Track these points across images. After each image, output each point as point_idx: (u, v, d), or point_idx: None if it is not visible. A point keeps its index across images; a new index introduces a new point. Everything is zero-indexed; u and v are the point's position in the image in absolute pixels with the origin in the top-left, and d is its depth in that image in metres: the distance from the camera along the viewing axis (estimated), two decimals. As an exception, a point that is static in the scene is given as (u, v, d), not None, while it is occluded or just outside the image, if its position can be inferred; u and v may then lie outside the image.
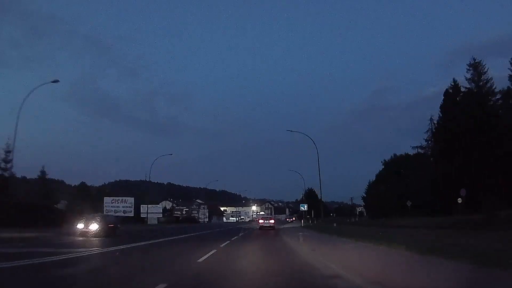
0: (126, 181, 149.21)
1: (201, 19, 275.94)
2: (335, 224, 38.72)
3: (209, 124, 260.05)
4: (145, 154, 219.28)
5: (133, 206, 54.18)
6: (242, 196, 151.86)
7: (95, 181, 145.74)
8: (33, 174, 49.94)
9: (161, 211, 62.17)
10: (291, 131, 42.38)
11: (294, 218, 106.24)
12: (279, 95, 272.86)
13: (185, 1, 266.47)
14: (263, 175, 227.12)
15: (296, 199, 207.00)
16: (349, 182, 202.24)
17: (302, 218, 67.90)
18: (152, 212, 60.85)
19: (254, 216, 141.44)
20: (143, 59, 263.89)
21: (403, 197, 56.15)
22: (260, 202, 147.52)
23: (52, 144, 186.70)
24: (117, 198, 56.09)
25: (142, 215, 60.16)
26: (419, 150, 59.87)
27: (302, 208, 44.80)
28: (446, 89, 50.58)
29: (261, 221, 42.17)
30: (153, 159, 52.89)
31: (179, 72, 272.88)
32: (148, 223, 57.52)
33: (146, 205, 58.69)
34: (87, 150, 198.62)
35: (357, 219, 77.36)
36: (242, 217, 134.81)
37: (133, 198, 56.28)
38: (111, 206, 54.21)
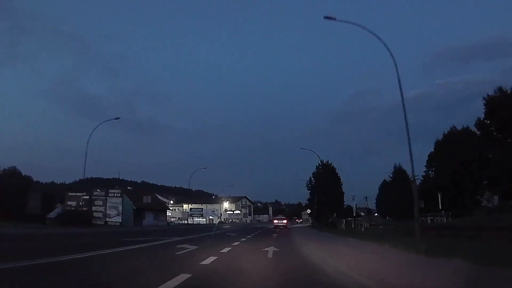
0: (99, 178, 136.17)
1: (183, 20, 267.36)
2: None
3: (189, 124, 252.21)
4: (122, 153, 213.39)
5: None
6: (219, 196, 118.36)
7: (68, 178, 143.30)
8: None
9: None
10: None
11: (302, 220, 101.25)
12: (258, 96, 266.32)
13: (166, 2, 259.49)
14: (242, 176, 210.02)
15: (276, 200, 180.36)
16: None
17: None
18: None
19: (226, 217, 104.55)
20: (124, 58, 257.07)
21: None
22: (235, 199, 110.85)
23: (30, 142, 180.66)
24: None
25: None
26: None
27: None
28: None
29: (275, 221, 50.08)
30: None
31: (160, 72, 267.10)
32: None
33: None
34: (62, 148, 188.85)
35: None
36: (211, 217, 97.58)
37: None
38: None
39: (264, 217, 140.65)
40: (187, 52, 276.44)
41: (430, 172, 50.84)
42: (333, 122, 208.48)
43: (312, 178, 59.27)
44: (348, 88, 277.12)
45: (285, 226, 43.76)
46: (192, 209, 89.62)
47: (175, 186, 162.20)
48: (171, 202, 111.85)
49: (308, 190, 61.62)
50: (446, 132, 49.43)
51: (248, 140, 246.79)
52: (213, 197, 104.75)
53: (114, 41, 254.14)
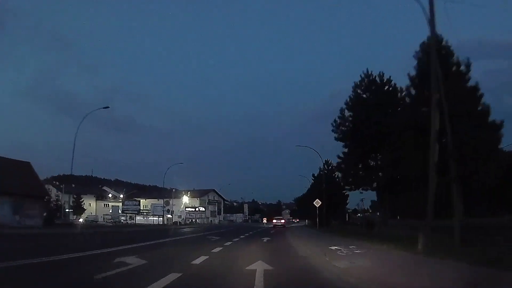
0: (70, 175, 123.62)
1: (163, 20, 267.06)
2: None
3: (166, 124, 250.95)
4: (98, 151, 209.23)
5: None
6: (181, 189, 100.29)
7: (40, 175, 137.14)
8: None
9: None
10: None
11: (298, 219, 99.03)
12: (235, 97, 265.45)
13: (146, 2, 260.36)
14: (219, 176, 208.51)
15: (253, 199, 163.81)
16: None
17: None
18: None
19: (186, 215, 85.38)
20: (104, 56, 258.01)
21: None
22: (200, 193, 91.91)
23: (6, 139, 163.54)
24: None
25: None
26: None
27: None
28: None
29: (274, 221, 55.25)
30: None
31: (138, 71, 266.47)
32: None
33: None
34: (39, 145, 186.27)
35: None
36: (169, 216, 77.89)
37: None
38: None
39: (238, 217, 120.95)
40: (166, 52, 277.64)
41: None
42: (311, 121, 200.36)
43: (346, 110, 30.41)
44: (326, 88, 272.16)
45: (283, 226, 50.11)
46: (127, 204, 69.28)
47: (150, 185, 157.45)
48: (121, 196, 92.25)
49: (336, 137, 30.69)
50: None
51: (226, 140, 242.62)
52: (174, 190, 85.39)
53: (94, 40, 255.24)
